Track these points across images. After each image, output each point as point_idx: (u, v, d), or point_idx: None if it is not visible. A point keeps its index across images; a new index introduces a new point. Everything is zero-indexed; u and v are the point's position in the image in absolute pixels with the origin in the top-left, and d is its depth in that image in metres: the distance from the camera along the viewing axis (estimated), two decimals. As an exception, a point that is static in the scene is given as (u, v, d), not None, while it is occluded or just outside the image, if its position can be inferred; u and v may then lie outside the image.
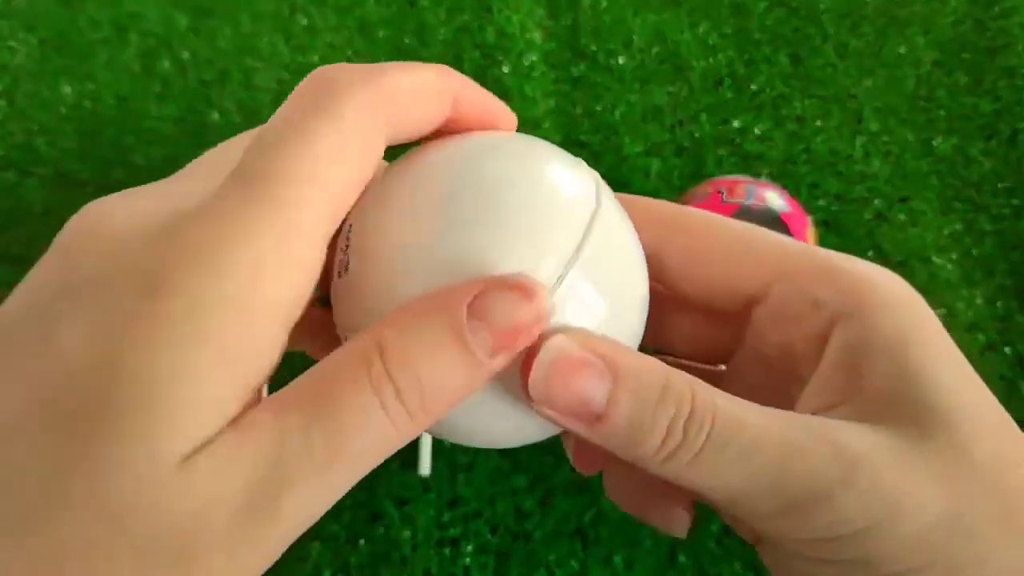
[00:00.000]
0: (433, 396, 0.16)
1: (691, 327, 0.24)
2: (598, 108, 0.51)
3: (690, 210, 0.22)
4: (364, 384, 0.15)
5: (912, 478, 0.17)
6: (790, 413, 0.18)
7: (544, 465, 0.41)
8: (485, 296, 0.16)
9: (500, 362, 0.16)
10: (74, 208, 0.19)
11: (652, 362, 0.18)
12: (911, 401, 0.18)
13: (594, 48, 0.53)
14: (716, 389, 0.18)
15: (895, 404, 0.18)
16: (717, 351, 0.24)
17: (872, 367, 0.19)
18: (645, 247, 0.21)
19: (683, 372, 0.18)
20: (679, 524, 0.22)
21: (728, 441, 0.17)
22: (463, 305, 0.16)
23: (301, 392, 0.16)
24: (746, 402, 0.18)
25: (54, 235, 0.19)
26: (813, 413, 0.19)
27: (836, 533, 0.17)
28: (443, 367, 0.16)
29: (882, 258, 0.46)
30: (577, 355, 0.18)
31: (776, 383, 0.22)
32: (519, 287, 0.16)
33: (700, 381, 0.18)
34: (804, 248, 0.21)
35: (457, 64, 0.52)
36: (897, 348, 0.19)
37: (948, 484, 0.17)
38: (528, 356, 0.17)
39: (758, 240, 0.21)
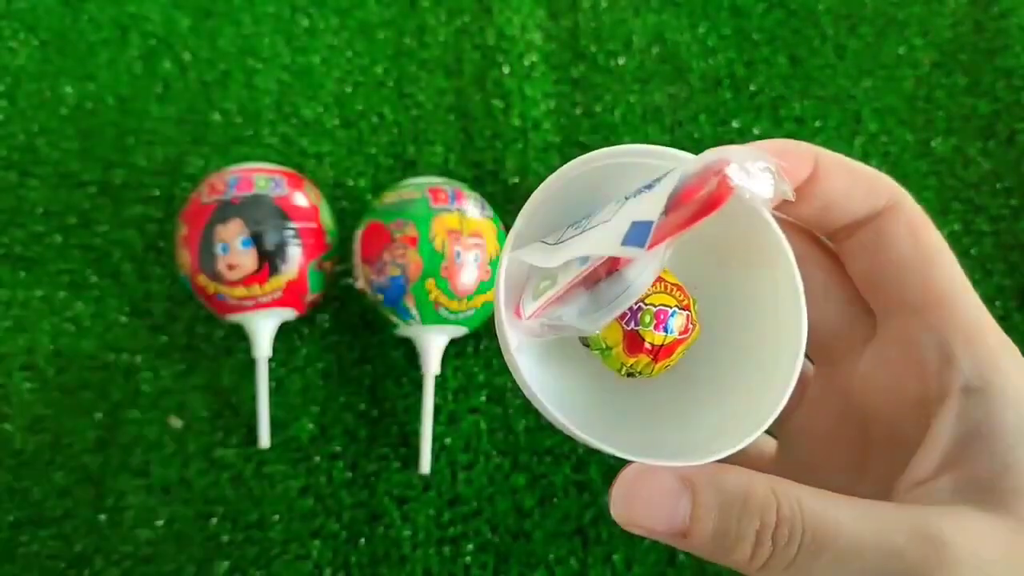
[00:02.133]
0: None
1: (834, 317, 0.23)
2: (598, 109, 0.51)
3: (903, 196, 0.22)
4: None
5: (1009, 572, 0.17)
6: (883, 506, 0.18)
7: (544, 465, 0.42)
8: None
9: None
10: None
11: (733, 471, 0.18)
12: (1020, 492, 0.18)
13: (594, 49, 0.53)
14: (801, 486, 0.18)
15: (1003, 490, 0.18)
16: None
17: (989, 448, 0.19)
18: (862, 211, 0.22)
19: (766, 475, 0.18)
20: None
21: (821, 549, 0.17)
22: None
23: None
24: (834, 498, 0.18)
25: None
26: (922, 480, 0.19)
27: None
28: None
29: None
30: (653, 471, 0.18)
31: (857, 434, 0.22)
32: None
33: (784, 481, 0.18)
34: (961, 289, 0.21)
35: (457, 65, 0.52)
36: (1016, 437, 0.18)
37: None
38: None
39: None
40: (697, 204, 0.17)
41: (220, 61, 0.51)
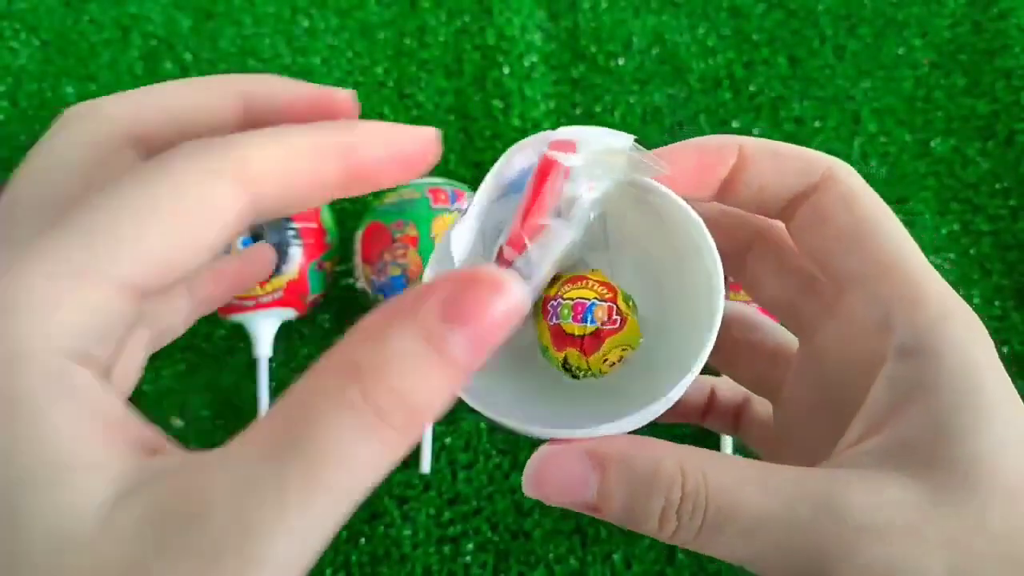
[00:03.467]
0: (416, 408, 0.15)
1: (775, 284, 0.24)
2: (598, 109, 0.51)
3: (836, 163, 0.22)
4: (344, 414, 0.14)
5: (918, 547, 0.17)
6: (795, 475, 0.18)
7: (544, 464, 0.42)
8: (456, 298, 0.15)
9: (480, 359, 0.16)
10: None
11: (647, 446, 0.19)
12: (943, 458, 0.18)
13: (594, 50, 0.53)
14: (713, 458, 0.19)
15: (926, 455, 0.18)
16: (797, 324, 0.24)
17: (918, 412, 0.18)
18: (792, 190, 0.22)
19: (680, 448, 0.19)
20: None
21: (724, 524, 0.17)
22: (434, 312, 0.15)
23: (274, 427, 0.15)
24: (745, 473, 0.18)
25: None
26: (852, 444, 0.19)
27: None
28: (423, 379, 0.15)
29: (880, 258, 0.47)
30: (563, 450, 0.19)
31: (832, 405, 0.22)
32: (489, 282, 0.15)
33: (695, 456, 0.18)
34: (902, 254, 0.21)
35: (457, 66, 0.52)
36: (949, 401, 0.18)
37: (955, 553, 0.17)
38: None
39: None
40: (535, 177, 0.20)
41: (221, 62, 0.51)
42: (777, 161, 0.22)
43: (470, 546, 0.40)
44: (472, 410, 0.20)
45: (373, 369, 0.15)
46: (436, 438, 0.42)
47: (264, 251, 0.37)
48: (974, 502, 0.17)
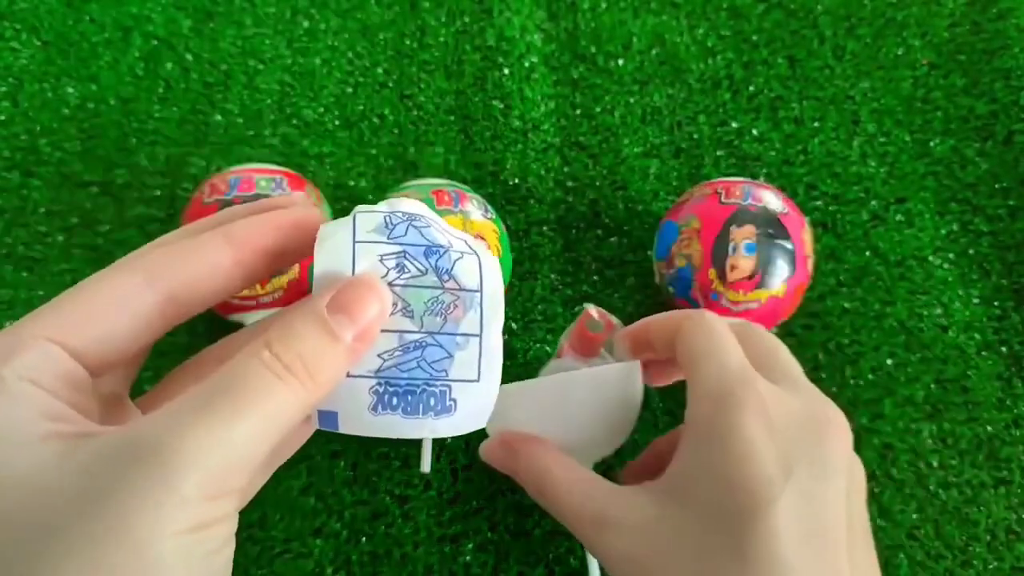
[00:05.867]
0: (314, 367, 0.20)
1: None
2: (597, 110, 0.51)
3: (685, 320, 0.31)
4: (259, 365, 0.19)
5: (644, 521, 0.27)
6: (600, 486, 0.30)
7: (544, 464, 0.42)
8: (340, 293, 0.21)
9: (360, 344, 0.21)
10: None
11: (531, 444, 0.33)
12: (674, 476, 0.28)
13: (593, 50, 0.53)
14: (554, 457, 0.32)
15: (671, 481, 0.28)
16: None
17: (679, 452, 0.28)
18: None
19: (536, 445, 0.33)
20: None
21: (548, 502, 0.32)
22: (323, 300, 0.21)
23: (205, 384, 0.19)
24: (571, 471, 0.31)
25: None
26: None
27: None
28: (315, 344, 0.20)
29: (879, 258, 0.47)
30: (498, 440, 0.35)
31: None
32: (365, 284, 0.21)
33: (542, 452, 0.33)
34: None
35: (458, 66, 0.52)
36: (697, 438, 0.27)
37: (662, 507, 0.27)
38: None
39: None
40: None
41: (222, 62, 0.52)
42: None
43: (470, 546, 0.40)
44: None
45: (280, 339, 0.20)
46: (436, 439, 0.42)
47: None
48: (676, 492, 0.27)
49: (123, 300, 0.21)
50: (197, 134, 0.49)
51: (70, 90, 0.50)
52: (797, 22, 0.54)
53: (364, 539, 0.40)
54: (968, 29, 0.53)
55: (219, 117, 0.50)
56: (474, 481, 0.41)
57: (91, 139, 0.49)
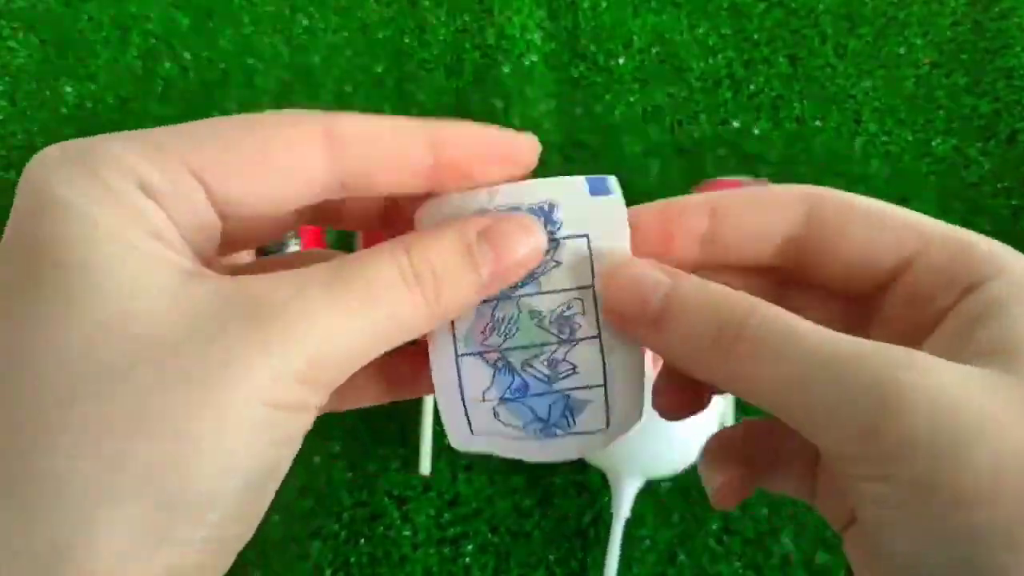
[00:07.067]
0: (443, 290, 0.18)
1: (821, 315, 0.21)
2: (598, 109, 0.51)
3: (824, 189, 0.22)
4: (392, 266, 0.18)
5: (992, 407, 0.16)
6: (860, 346, 0.17)
7: (544, 465, 0.42)
8: (494, 226, 0.20)
9: (494, 282, 0.20)
10: None
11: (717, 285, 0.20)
12: (1006, 350, 0.17)
13: (594, 49, 0.53)
14: (785, 315, 0.18)
15: (988, 352, 0.17)
16: None
17: (981, 331, 0.18)
18: (781, 229, 0.22)
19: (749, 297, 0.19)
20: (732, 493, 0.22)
21: (782, 350, 0.17)
22: (475, 228, 0.19)
23: (330, 266, 0.18)
24: (818, 331, 0.17)
25: None
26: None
27: (901, 451, 0.16)
28: (453, 269, 0.19)
29: (881, 258, 0.47)
30: (638, 262, 0.21)
31: None
32: (522, 225, 0.20)
33: (767, 305, 0.18)
34: (943, 226, 0.21)
35: (458, 65, 0.52)
36: (1004, 309, 0.18)
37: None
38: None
39: (897, 214, 0.21)
40: None
41: (220, 61, 0.51)
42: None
43: (470, 547, 0.40)
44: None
45: (419, 247, 0.18)
46: (436, 438, 0.42)
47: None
48: None
49: (301, 159, 0.18)
50: (195, 133, 0.49)
51: (68, 89, 0.50)
52: (798, 21, 0.53)
53: (363, 541, 0.40)
54: (970, 28, 0.53)
55: (218, 116, 0.50)
56: (474, 483, 0.41)
57: (89, 138, 0.49)
